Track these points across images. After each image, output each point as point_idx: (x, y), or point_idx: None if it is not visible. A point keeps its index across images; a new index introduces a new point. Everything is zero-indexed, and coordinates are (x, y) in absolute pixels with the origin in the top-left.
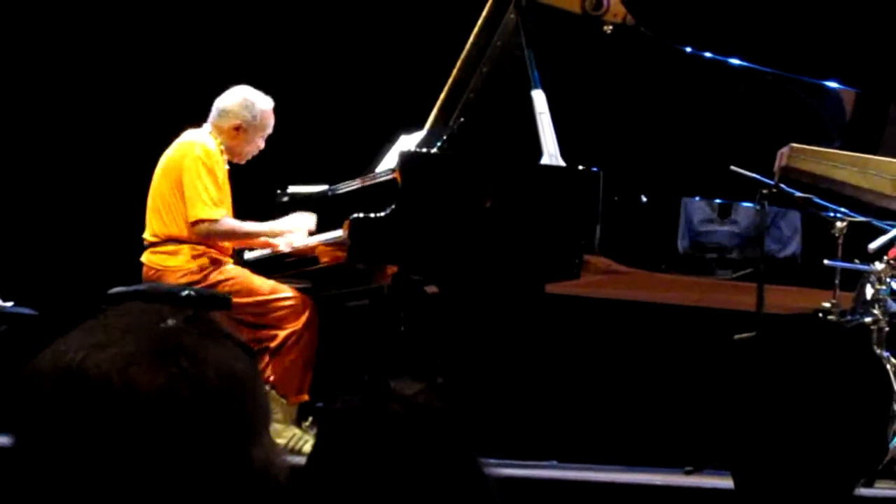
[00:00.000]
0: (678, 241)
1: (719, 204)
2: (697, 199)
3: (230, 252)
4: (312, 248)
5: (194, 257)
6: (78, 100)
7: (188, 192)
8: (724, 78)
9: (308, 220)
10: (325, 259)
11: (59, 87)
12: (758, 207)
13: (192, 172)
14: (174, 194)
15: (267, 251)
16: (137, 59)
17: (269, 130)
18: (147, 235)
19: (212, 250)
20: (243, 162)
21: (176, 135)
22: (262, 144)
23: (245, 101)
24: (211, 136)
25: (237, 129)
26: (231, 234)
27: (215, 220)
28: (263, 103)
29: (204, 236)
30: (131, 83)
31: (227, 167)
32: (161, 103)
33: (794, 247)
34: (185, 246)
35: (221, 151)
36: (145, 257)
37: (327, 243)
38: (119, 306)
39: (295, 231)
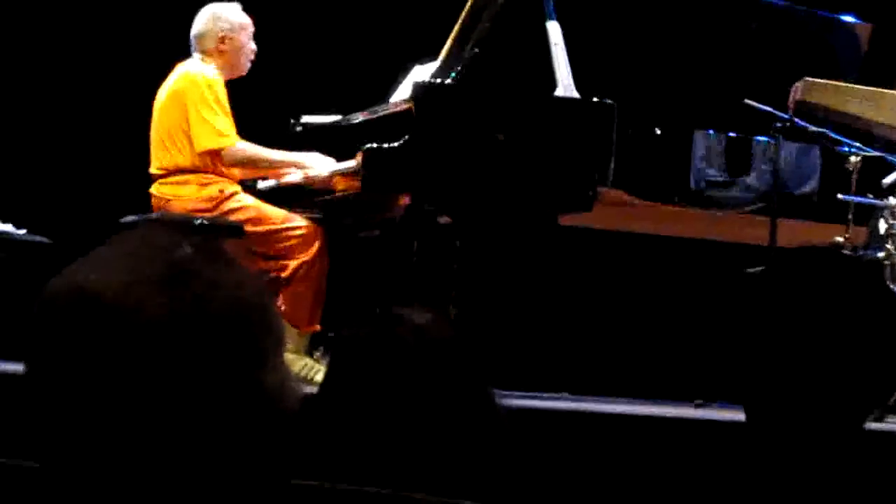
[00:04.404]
0: (691, 175)
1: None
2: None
3: (238, 181)
4: (326, 180)
5: (203, 186)
6: (85, 29)
7: (195, 123)
8: (737, 11)
9: (327, 162)
10: (340, 188)
11: (64, 17)
12: (772, 141)
13: (199, 101)
14: (179, 125)
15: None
16: None
17: (252, 28)
18: (153, 169)
19: (222, 179)
20: (244, 72)
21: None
22: (253, 46)
23: (213, 14)
24: (205, 63)
25: (222, 40)
26: (252, 161)
27: (233, 146)
28: (229, 8)
29: (227, 164)
30: (138, 14)
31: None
32: (167, 35)
33: (813, 184)
34: (194, 176)
35: (219, 75)
36: (154, 188)
37: (340, 173)
38: (131, 232)
39: (314, 166)
